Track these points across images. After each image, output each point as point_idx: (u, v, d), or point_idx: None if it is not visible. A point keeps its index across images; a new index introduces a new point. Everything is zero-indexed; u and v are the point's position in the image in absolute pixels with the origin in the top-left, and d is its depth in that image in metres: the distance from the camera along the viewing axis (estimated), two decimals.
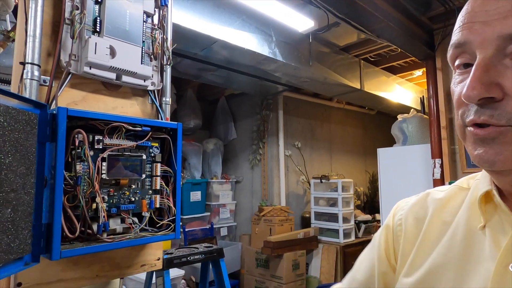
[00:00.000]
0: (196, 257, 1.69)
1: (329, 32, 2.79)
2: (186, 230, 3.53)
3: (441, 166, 2.62)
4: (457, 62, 0.45)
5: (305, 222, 4.07)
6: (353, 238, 3.81)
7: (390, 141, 3.32)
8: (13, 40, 1.26)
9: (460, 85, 0.44)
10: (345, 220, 3.77)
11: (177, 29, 2.15)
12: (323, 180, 3.87)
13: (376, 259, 0.60)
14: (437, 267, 0.49)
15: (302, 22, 2.52)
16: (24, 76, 0.69)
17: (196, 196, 3.82)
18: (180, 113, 4.06)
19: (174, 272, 2.76)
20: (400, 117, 3.19)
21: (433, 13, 2.65)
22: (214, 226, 3.85)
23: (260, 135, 4.10)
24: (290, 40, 2.80)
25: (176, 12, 2.11)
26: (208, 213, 3.93)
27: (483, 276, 0.42)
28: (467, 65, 0.43)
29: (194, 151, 3.99)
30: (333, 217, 3.79)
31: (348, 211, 3.81)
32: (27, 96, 0.69)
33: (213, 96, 4.52)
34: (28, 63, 0.69)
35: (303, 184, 4.22)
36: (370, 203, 4.72)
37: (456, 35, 0.44)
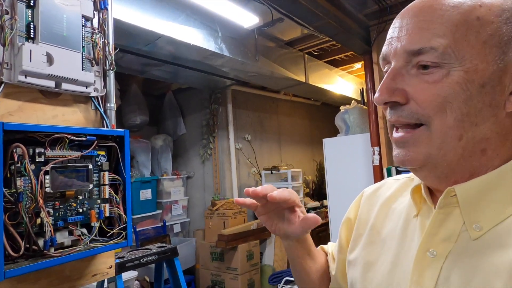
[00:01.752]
0: (149, 258, 1.67)
1: (274, 27, 2.85)
2: (138, 229, 3.44)
3: (379, 153, 2.83)
4: (384, 70, 0.51)
5: None
6: None
7: (335, 131, 3.51)
8: None
9: None
10: None
11: (118, 24, 2.06)
12: (273, 171, 3.98)
13: (338, 245, 0.68)
14: (379, 248, 0.56)
15: (247, 18, 2.54)
16: None
17: (146, 194, 3.72)
18: (125, 110, 3.90)
19: (127, 274, 2.69)
20: (342, 108, 3.37)
21: (368, 10, 2.82)
22: (167, 224, 3.80)
23: (209, 130, 4.09)
24: (236, 35, 2.82)
25: (117, 7, 2.01)
26: (160, 211, 3.86)
27: (411, 260, 0.48)
28: None
29: (142, 148, 3.87)
30: None
31: None
32: None
33: (160, 90, 4.40)
34: None
35: (255, 176, 4.31)
36: (318, 190, 4.96)
37: (383, 48, 0.50)
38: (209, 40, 2.61)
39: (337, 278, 0.67)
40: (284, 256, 3.73)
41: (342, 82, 4.36)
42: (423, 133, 0.45)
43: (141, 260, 1.64)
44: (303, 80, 3.63)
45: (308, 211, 4.09)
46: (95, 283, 1.95)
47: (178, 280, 1.73)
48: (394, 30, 0.48)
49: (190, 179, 4.27)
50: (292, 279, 3.02)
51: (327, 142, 3.34)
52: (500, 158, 0.44)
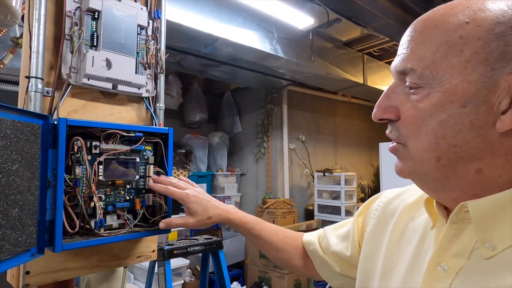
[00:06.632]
0: (196, 248, 1.78)
1: (332, 27, 2.81)
2: None
3: None
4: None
5: (309, 215, 4.15)
6: None
7: None
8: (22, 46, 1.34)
9: None
10: (348, 212, 3.84)
11: (179, 28, 2.22)
12: (326, 174, 3.93)
13: (351, 237, 0.69)
14: (397, 257, 0.55)
15: (302, 19, 2.55)
16: (29, 89, 0.77)
17: (202, 188, 3.91)
18: (186, 107, 4.15)
19: (180, 262, 2.89)
20: None
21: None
22: None
23: (264, 129, 4.16)
24: (291, 36, 2.84)
25: (177, 11, 2.17)
26: None
27: (422, 273, 0.47)
28: None
29: (200, 144, 4.09)
30: (336, 210, 3.86)
31: (350, 204, 3.87)
32: (32, 106, 0.78)
33: (219, 90, 4.59)
34: (32, 77, 0.77)
35: (307, 177, 4.29)
36: None
37: None
38: (265, 41, 2.67)
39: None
40: None
41: None
42: (403, 149, 0.48)
43: (188, 249, 1.76)
44: (361, 81, 3.52)
45: None
46: (147, 266, 2.14)
47: (222, 271, 1.82)
48: (401, 42, 0.49)
49: (243, 176, 4.39)
50: None
51: (383, 146, 3.21)
52: (506, 178, 0.42)
